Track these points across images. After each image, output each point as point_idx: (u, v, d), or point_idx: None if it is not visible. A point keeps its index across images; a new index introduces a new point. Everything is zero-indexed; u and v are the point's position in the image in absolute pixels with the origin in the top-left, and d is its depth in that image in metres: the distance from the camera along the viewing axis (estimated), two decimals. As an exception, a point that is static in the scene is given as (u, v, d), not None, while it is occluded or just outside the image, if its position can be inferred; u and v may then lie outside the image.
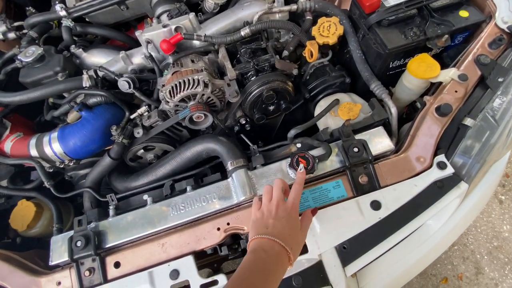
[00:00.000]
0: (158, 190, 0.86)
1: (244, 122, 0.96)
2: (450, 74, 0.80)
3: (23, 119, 1.01)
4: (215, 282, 0.70)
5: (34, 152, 0.85)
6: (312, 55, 0.88)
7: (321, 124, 0.88)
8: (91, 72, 0.86)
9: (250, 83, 0.88)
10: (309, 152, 0.77)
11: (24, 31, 1.04)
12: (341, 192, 0.75)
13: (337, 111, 0.86)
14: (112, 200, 0.81)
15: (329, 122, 0.86)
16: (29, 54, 0.88)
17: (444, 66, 0.84)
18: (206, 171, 0.91)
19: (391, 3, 0.88)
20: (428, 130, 0.76)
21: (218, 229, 0.75)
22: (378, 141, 0.78)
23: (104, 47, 1.03)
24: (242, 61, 0.91)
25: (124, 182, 0.88)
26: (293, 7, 0.94)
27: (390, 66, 0.91)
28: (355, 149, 0.74)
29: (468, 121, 0.77)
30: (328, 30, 0.88)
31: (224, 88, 0.86)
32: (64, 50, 0.98)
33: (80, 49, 0.97)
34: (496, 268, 1.50)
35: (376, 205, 0.71)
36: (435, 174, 0.73)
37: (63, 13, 0.95)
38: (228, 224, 0.75)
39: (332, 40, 0.87)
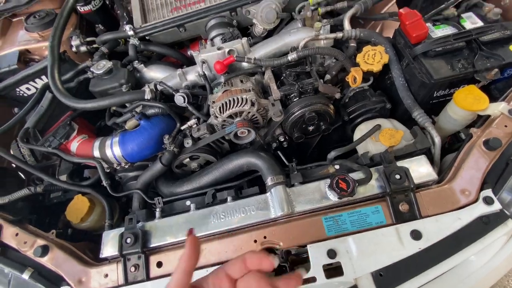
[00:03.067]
0: (199, 198, 0.91)
1: (282, 139, 1.00)
2: (499, 108, 0.79)
3: (86, 122, 1.14)
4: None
5: (96, 153, 0.95)
6: (355, 81, 0.92)
7: (361, 148, 0.90)
8: (152, 86, 0.96)
9: (293, 104, 0.92)
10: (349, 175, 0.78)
11: (94, 45, 1.19)
12: (380, 218, 0.75)
13: (378, 136, 0.87)
14: (159, 203, 0.88)
15: (369, 147, 0.88)
16: (100, 67, 1.01)
17: (491, 98, 0.83)
18: (243, 184, 0.95)
19: (438, 35, 0.90)
20: (475, 163, 0.75)
21: (255, 241, 0.78)
22: (420, 170, 0.78)
23: (161, 63, 1.15)
24: (286, 83, 0.97)
25: (170, 187, 0.95)
26: (339, 34, 0.99)
27: (434, 95, 0.91)
28: (397, 176, 0.75)
29: (518, 157, 0.75)
30: (373, 58, 0.91)
31: (268, 107, 0.92)
32: (128, 64, 1.10)
33: (142, 65, 1.09)
34: (542, 319, 1.37)
35: (416, 235, 0.71)
36: (480, 209, 0.72)
37: (131, 32, 1.08)
38: (264, 237, 0.78)
39: (376, 68, 0.90)
